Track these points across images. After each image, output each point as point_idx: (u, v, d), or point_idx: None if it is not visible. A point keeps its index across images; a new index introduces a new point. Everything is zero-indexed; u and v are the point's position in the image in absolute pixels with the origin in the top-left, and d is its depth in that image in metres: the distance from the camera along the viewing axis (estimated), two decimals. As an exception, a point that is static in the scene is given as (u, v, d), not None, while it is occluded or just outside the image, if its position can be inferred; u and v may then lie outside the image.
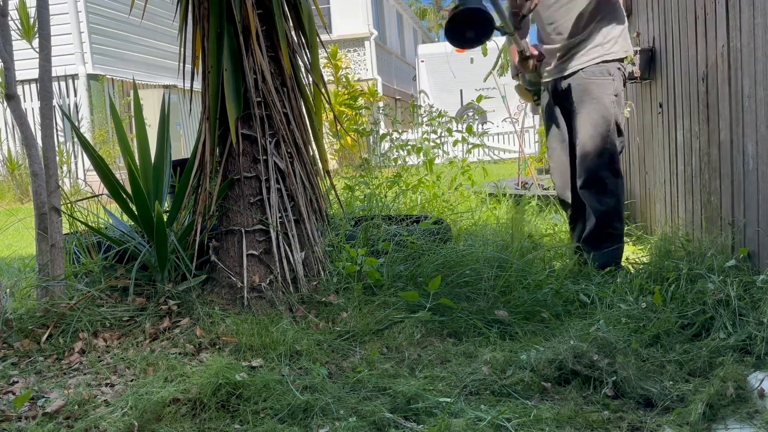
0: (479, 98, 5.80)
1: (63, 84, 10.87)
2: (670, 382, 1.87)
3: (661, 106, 3.66)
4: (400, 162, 5.23)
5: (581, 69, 2.98)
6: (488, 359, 2.04)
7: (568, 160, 3.14)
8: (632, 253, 3.67)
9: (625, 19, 3.07)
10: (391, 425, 1.70)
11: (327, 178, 2.92)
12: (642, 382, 1.84)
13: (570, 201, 3.20)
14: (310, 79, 2.83)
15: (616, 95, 2.98)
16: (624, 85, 3.07)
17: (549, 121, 3.22)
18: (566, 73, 3.04)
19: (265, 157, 2.64)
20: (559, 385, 1.90)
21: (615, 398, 1.81)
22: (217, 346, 2.24)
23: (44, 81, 2.56)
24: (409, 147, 5.24)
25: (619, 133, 3.02)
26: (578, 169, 3.05)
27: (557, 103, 3.15)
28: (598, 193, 3.00)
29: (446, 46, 17.99)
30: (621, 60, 3.00)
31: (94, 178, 3.02)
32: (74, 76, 10.91)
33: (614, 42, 2.98)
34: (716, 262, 2.45)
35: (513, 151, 12.53)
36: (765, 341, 1.97)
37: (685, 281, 2.44)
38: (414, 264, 2.87)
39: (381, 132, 5.75)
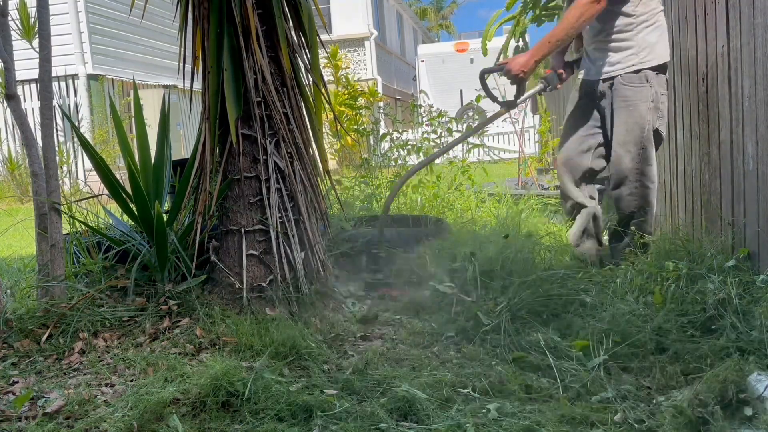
0: (478, 98, 5.80)
1: (63, 84, 10.87)
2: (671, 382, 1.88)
3: (661, 106, 3.66)
4: (400, 162, 5.23)
5: (619, 75, 3.04)
6: (489, 361, 2.04)
7: (584, 158, 3.20)
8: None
9: (664, 24, 3.09)
10: (391, 426, 1.70)
11: (327, 178, 2.92)
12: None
13: (572, 196, 3.24)
14: (310, 79, 2.83)
15: (652, 101, 3.00)
16: (667, 89, 3.10)
17: (576, 117, 3.26)
18: (604, 77, 3.11)
19: (265, 157, 2.64)
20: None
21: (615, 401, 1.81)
22: (217, 346, 2.24)
23: (44, 81, 2.56)
24: (410, 147, 5.24)
25: (658, 139, 3.05)
26: (611, 174, 3.11)
27: (593, 103, 3.20)
28: (627, 196, 3.05)
29: (446, 46, 18.03)
30: (659, 67, 3.03)
31: (94, 178, 3.02)
32: (74, 76, 10.91)
33: (650, 50, 3.01)
34: (716, 262, 2.45)
35: (513, 151, 12.53)
36: (765, 341, 1.97)
37: (685, 281, 2.43)
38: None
39: (381, 132, 5.75)
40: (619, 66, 3.04)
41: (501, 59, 6.64)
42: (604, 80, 3.11)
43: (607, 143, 3.15)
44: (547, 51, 3.05)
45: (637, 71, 3.01)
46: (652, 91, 3.00)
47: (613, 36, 3.04)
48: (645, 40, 3.01)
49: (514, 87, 3.16)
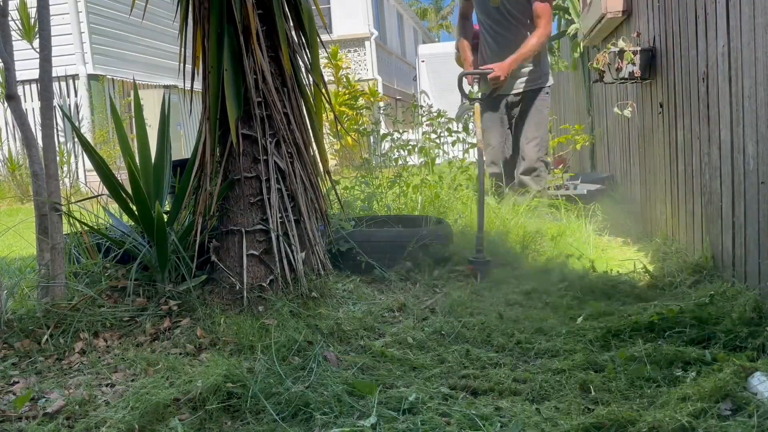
0: (471, 94, 5.77)
1: (63, 84, 10.87)
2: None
3: (661, 106, 3.66)
4: (401, 162, 5.23)
5: (530, 89, 4.48)
6: (493, 363, 2.04)
7: (505, 148, 4.65)
8: (635, 257, 3.67)
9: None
10: (392, 425, 1.70)
11: (327, 178, 2.92)
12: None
13: (500, 172, 4.67)
14: (311, 79, 2.83)
15: (548, 108, 4.58)
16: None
17: (493, 121, 4.60)
18: (516, 91, 4.52)
19: (265, 157, 2.64)
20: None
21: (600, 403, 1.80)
22: (218, 347, 2.24)
23: (45, 81, 2.56)
24: (410, 147, 5.23)
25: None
26: (519, 160, 4.52)
27: (507, 110, 4.60)
28: (534, 177, 4.46)
29: (446, 47, 18.04)
30: (549, 86, 4.58)
31: (94, 178, 3.02)
32: (75, 77, 10.91)
33: (548, 74, 4.55)
34: (716, 263, 2.45)
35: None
36: (765, 340, 1.97)
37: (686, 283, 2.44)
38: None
39: (381, 132, 5.74)
40: (530, 84, 4.46)
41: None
42: (516, 94, 4.50)
43: (514, 139, 4.59)
44: (519, 64, 4.30)
45: (541, 88, 4.48)
46: (548, 102, 4.55)
47: (526, 62, 4.37)
48: (546, 65, 4.53)
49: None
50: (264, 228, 2.63)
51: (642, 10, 4.10)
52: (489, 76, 4.08)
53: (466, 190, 4.82)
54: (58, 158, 2.64)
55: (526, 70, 4.40)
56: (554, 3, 5.85)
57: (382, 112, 7.62)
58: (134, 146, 2.91)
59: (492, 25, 4.38)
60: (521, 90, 4.46)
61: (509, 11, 4.29)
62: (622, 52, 3.79)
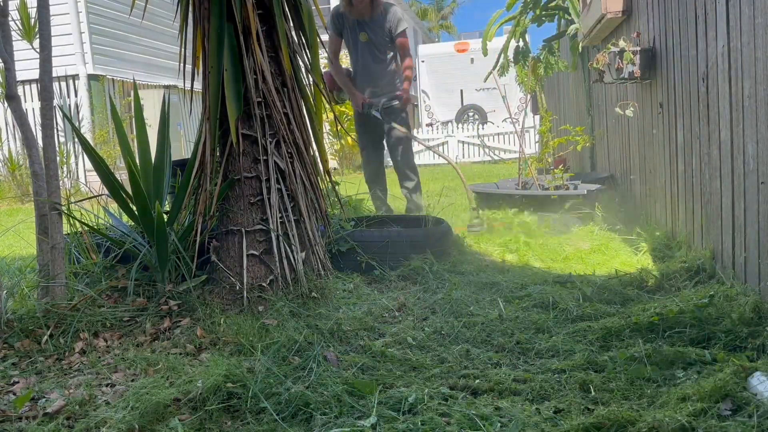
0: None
1: (63, 84, 10.87)
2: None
3: (661, 106, 3.66)
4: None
5: (390, 105, 5.02)
6: (493, 363, 2.04)
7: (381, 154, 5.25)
8: (636, 258, 3.67)
9: None
10: (392, 425, 1.70)
11: (327, 178, 2.92)
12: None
13: (377, 180, 5.10)
14: (311, 79, 2.84)
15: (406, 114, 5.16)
16: None
17: (366, 129, 5.15)
18: (385, 106, 5.04)
19: (265, 157, 2.64)
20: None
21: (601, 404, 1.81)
22: (218, 346, 2.24)
23: (45, 81, 2.56)
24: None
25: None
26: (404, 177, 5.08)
27: (378, 123, 5.06)
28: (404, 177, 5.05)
29: (446, 47, 18.03)
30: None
31: (94, 178, 3.02)
32: (75, 77, 10.91)
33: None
34: (716, 263, 2.45)
35: (513, 151, 12.52)
36: (765, 340, 1.97)
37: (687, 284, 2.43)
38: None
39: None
40: (395, 101, 5.02)
41: (501, 59, 6.67)
42: (386, 108, 5.06)
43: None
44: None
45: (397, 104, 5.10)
46: (407, 111, 5.15)
47: (391, 84, 5.10)
48: (400, 83, 5.09)
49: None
50: (264, 228, 2.63)
51: (642, 10, 4.10)
52: (404, 99, 5.07)
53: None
54: (58, 158, 2.64)
55: (390, 88, 5.18)
56: (554, 3, 5.85)
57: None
58: (134, 146, 2.91)
59: (362, 59, 5.26)
60: (388, 105, 5.22)
61: (376, 47, 5.19)
62: (622, 52, 3.80)
